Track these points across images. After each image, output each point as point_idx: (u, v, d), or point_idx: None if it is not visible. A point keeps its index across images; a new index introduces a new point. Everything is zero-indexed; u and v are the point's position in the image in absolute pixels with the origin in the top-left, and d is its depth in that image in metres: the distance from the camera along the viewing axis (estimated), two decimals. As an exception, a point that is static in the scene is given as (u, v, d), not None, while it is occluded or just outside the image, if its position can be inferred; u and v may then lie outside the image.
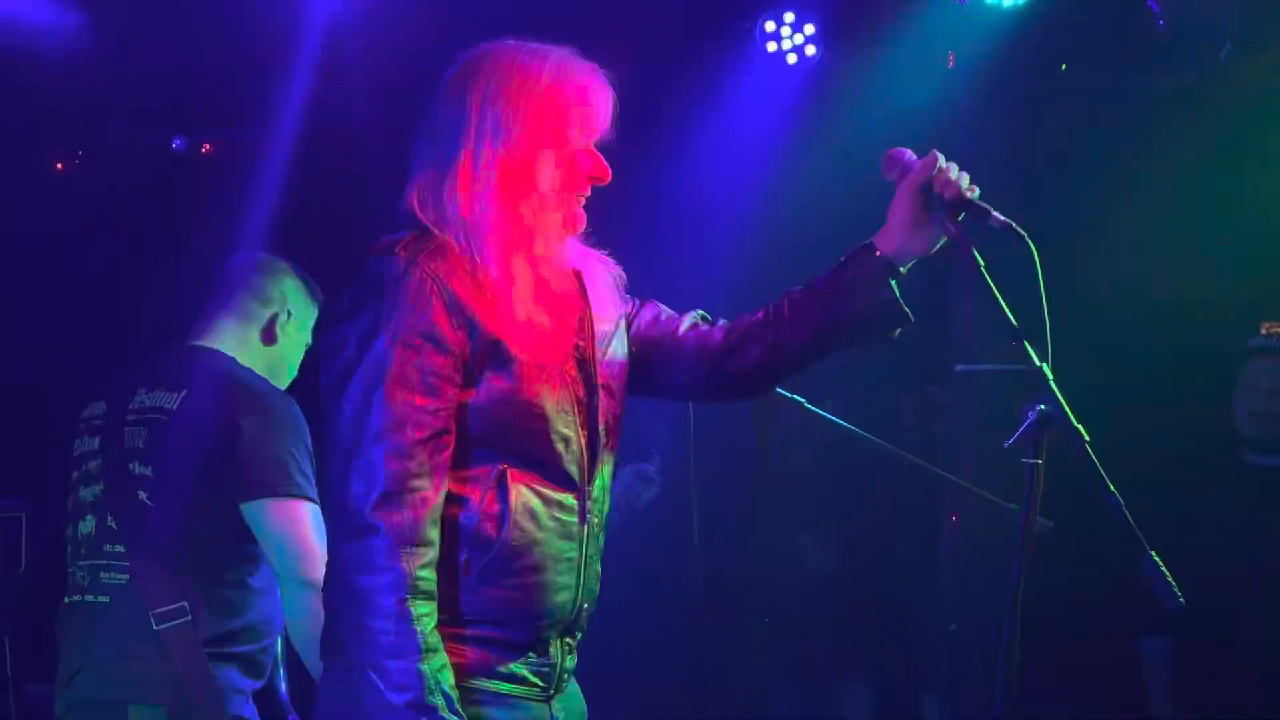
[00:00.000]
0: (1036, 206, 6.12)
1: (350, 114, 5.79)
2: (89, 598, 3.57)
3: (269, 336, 3.77)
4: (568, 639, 2.73)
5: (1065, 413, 2.73)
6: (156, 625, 3.43)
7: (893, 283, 2.84)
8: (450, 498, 2.57)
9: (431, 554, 2.51)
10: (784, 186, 6.09)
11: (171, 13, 5.72)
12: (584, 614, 2.73)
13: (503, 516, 2.59)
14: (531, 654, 2.67)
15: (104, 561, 3.58)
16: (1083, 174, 6.13)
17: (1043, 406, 2.78)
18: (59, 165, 6.37)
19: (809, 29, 5.94)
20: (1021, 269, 2.88)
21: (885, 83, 6.06)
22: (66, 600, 3.61)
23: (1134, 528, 2.79)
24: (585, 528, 2.71)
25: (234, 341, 3.71)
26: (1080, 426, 2.71)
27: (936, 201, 2.83)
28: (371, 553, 2.48)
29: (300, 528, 3.37)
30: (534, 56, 2.73)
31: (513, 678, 2.67)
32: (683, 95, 6.08)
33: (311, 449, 3.60)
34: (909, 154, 2.91)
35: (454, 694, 2.48)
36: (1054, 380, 2.79)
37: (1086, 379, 5.86)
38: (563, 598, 2.69)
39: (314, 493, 3.55)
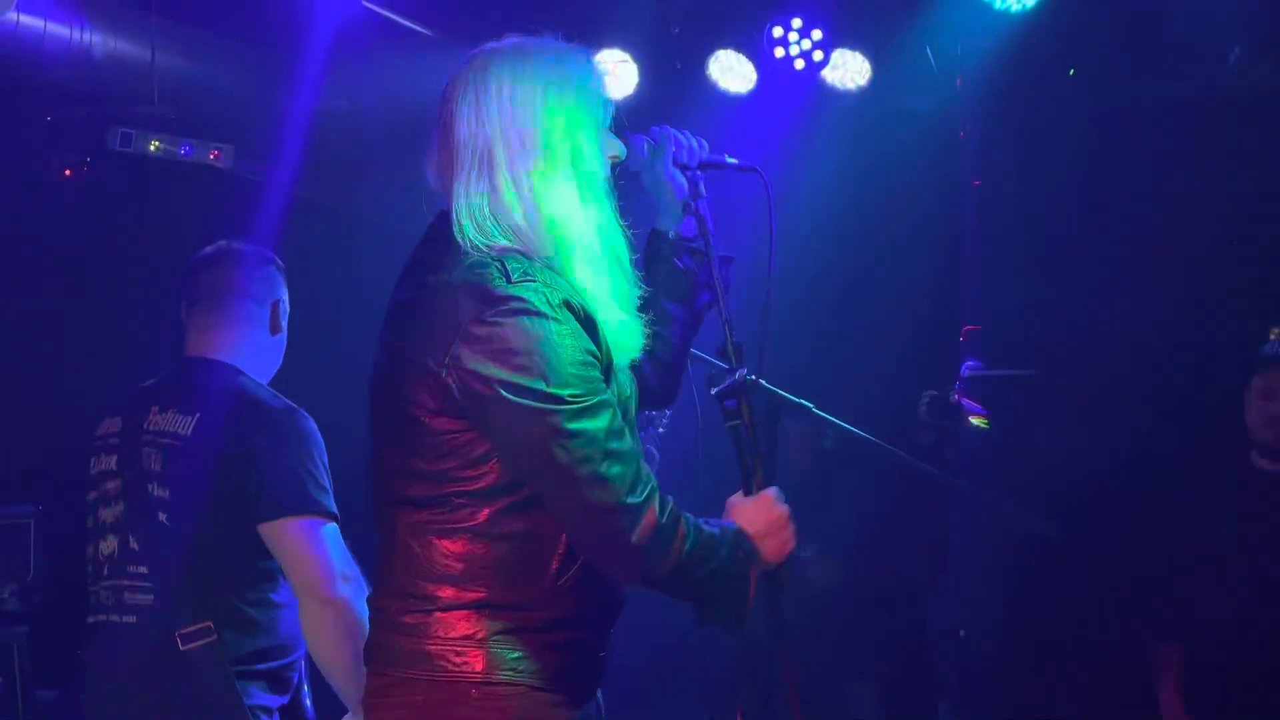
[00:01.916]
0: (1044, 211, 6.21)
1: (359, 118, 5.79)
2: (114, 617, 3.58)
3: (275, 327, 3.78)
4: (614, 631, 2.83)
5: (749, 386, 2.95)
6: (183, 646, 3.44)
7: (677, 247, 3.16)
8: (542, 506, 2.65)
9: None
10: (791, 192, 5.89)
11: (181, 19, 5.73)
12: None
13: None
14: (595, 653, 2.76)
15: (128, 582, 3.60)
16: (1091, 179, 6.17)
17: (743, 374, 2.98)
18: (67, 172, 6.28)
19: (816, 34, 5.94)
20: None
21: (904, 98, 6.15)
22: (91, 620, 3.61)
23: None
24: None
25: (241, 348, 3.71)
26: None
27: (685, 171, 3.11)
28: None
29: (315, 545, 3.37)
30: (531, 58, 2.79)
31: (582, 678, 2.75)
32: (689, 100, 6.10)
33: (325, 460, 3.60)
34: (647, 143, 3.09)
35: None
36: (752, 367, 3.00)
37: (1098, 382, 5.92)
38: (620, 595, 2.80)
39: (332, 505, 3.55)
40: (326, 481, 3.57)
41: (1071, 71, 6.10)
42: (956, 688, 5.89)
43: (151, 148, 5.90)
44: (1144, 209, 5.92)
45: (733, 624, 2.80)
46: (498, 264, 2.68)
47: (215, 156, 5.98)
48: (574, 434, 2.63)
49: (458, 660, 2.69)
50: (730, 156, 3.19)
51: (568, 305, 2.67)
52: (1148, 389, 5.87)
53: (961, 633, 5.87)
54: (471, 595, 2.69)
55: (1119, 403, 5.90)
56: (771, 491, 2.89)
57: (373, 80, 5.94)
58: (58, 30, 5.50)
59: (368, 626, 3.29)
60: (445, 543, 2.72)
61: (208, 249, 3.92)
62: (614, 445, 2.66)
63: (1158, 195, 5.87)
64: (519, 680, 2.68)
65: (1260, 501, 4.97)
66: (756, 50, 6.01)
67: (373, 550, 2.92)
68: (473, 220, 2.74)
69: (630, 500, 2.64)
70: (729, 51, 6.00)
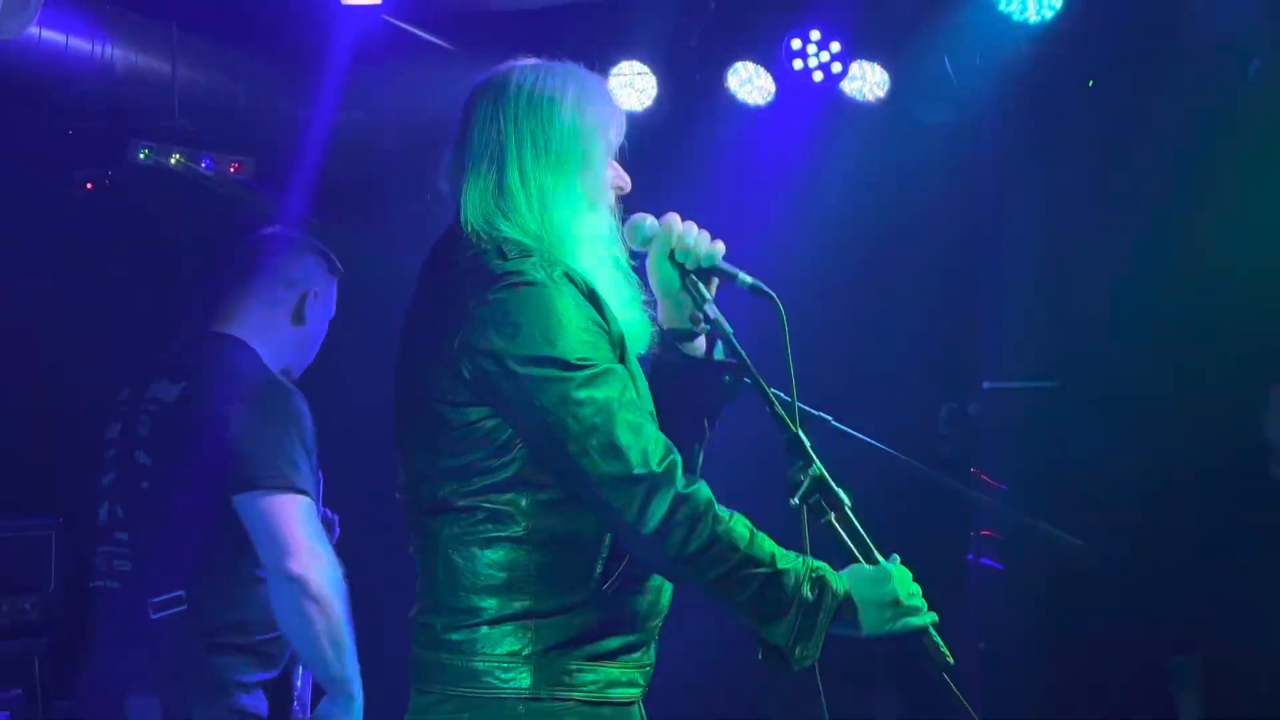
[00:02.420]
0: (1064, 221, 6.21)
1: (377, 132, 5.83)
2: (104, 583, 3.63)
3: (299, 318, 3.80)
4: (658, 636, 2.82)
5: (825, 478, 2.78)
6: (153, 614, 3.48)
7: (683, 346, 2.95)
8: (581, 506, 2.65)
9: None
10: (809, 204, 6.15)
11: (201, 33, 5.80)
12: None
13: None
14: (642, 656, 2.75)
15: (113, 549, 3.65)
16: (1109, 191, 6.15)
17: (811, 469, 2.82)
18: (89, 185, 6.37)
19: (835, 46, 5.94)
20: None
21: (923, 109, 6.14)
22: (90, 584, 3.68)
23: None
24: None
25: (257, 326, 3.74)
26: (841, 491, 2.78)
27: (682, 272, 2.90)
28: None
29: (282, 521, 3.39)
30: (554, 74, 2.84)
31: (632, 683, 2.74)
32: (707, 113, 6.13)
33: (308, 439, 3.62)
34: (649, 222, 2.92)
35: None
36: (810, 447, 2.84)
37: (1120, 392, 5.97)
38: (667, 597, 2.78)
39: (304, 483, 3.56)
40: (301, 460, 3.57)
41: (1091, 83, 6.07)
42: (978, 699, 5.90)
43: (172, 161, 6.02)
44: (1164, 219, 5.92)
45: (789, 658, 2.72)
46: (495, 248, 2.71)
47: (235, 169, 6.12)
48: (583, 401, 2.62)
49: (505, 676, 2.69)
50: (745, 273, 2.94)
51: (568, 276, 2.67)
52: (1168, 400, 5.86)
53: (981, 645, 5.87)
54: (517, 605, 2.69)
55: (1138, 414, 5.90)
56: (890, 569, 2.82)
57: (392, 93, 5.97)
58: (79, 44, 5.58)
59: (335, 607, 3.50)
60: (487, 552, 2.71)
61: (264, 230, 4.00)
62: (627, 415, 2.64)
63: (1177, 205, 5.87)
64: (568, 696, 2.68)
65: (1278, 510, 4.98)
66: (775, 62, 6.02)
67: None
68: (480, 213, 2.78)
69: (647, 469, 2.62)
70: (747, 64, 6.01)
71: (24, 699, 4.77)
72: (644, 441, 2.62)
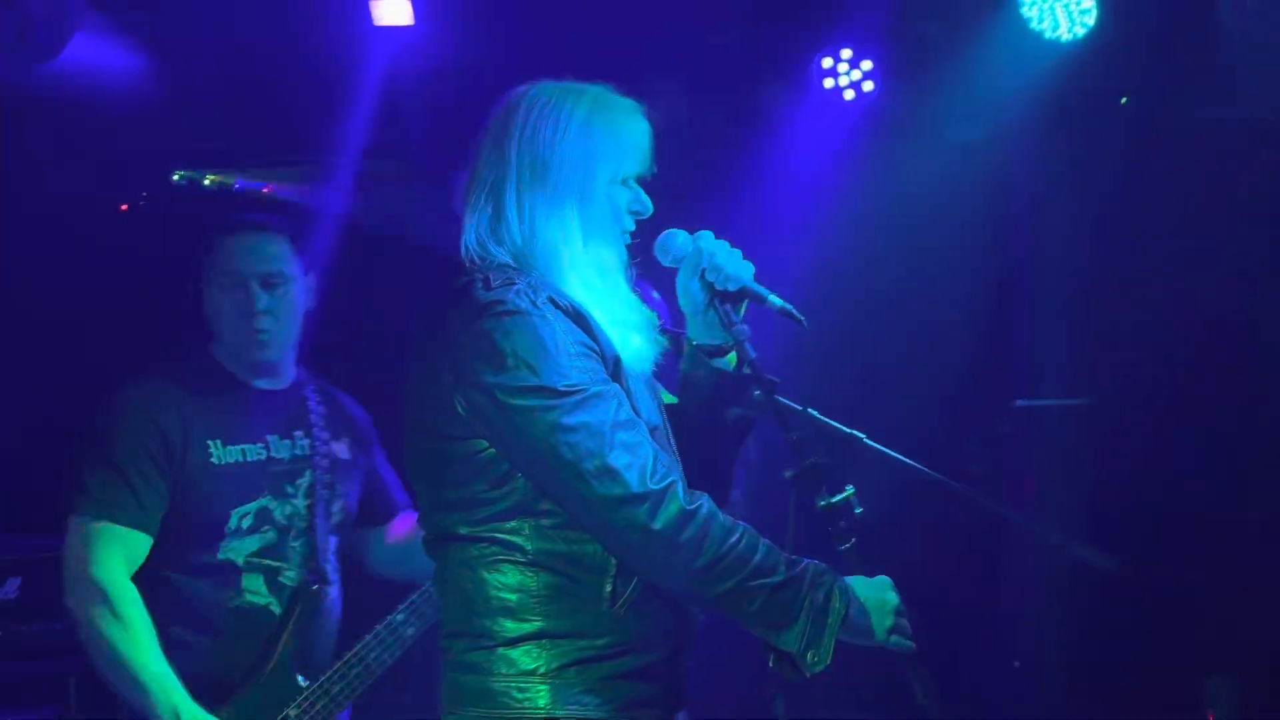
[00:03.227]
0: (1097, 238, 6.26)
1: (407, 155, 5.89)
2: None
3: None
4: (690, 652, 2.81)
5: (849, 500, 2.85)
6: None
7: (717, 360, 3.00)
8: (578, 525, 2.67)
9: None
10: (842, 222, 6.17)
11: (233, 56, 5.85)
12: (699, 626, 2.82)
13: None
14: (664, 674, 2.75)
15: None
16: (1145, 208, 6.18)
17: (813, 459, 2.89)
18: (124, 206, 6.39)
19: (866, 65, 6.00)
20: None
21: (943, 118, 6.15)
22: None
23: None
24: None
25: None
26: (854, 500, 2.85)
27: (711, 291, 2.93)
28: None
29: (67, 544, 3.79)
30: (569, 95, 2.86)
31: (655, 707, 2.76)
32: (739, 131, 6.16)
33: (100, 453, 3.91)
34: (679, 240, 2.94)
35: None
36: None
37: (1150, 411, 5.99)
38: (690, 615, 2.77)
39: (80, 503, 3.88)
40: (87, 478, 3.90)
41: (1124, 100, 6.09)
42: (1010, 717, 5.91)
43: (206, 181, 6.06)
44: (1197, 236, 5.94)
45: (800, 664, 2.73)
46: (482, 277, 2.72)
47: (268, 189, 6.10)
48: (575, 427, 2.61)
49: (520, 696, 2.71)
50: (775, 295, 2.97)
51: (552, 302, 2.67)
52: (1199, 418, 5.90)
53: (1016, 663, 5.88)
54: (529, 626, 2.71)
55: (1171, 432, 5.94)
56: (887, 580, 2.86)
57: (424, 112, 5.98)
58: (114, 66, 5.60)
59: (105, 638, 3.82)
60: (496, 576, 2.74)
61: None
62: (621, 436, 2.64)
63: (1211, 222, 5.89)
64: (585, 715, 2.70)
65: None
66: (806, 80, 6.07)
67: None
68: (476, 238, 2.81)
69: (645, 488, 2.61)
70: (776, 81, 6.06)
71: (59, 717, 4.83)
72: (641, 459, 2.63)
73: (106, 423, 3.95)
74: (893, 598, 2.79)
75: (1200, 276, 5.89)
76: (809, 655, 2.67)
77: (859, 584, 2.75)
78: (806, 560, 2.71)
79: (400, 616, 4.16)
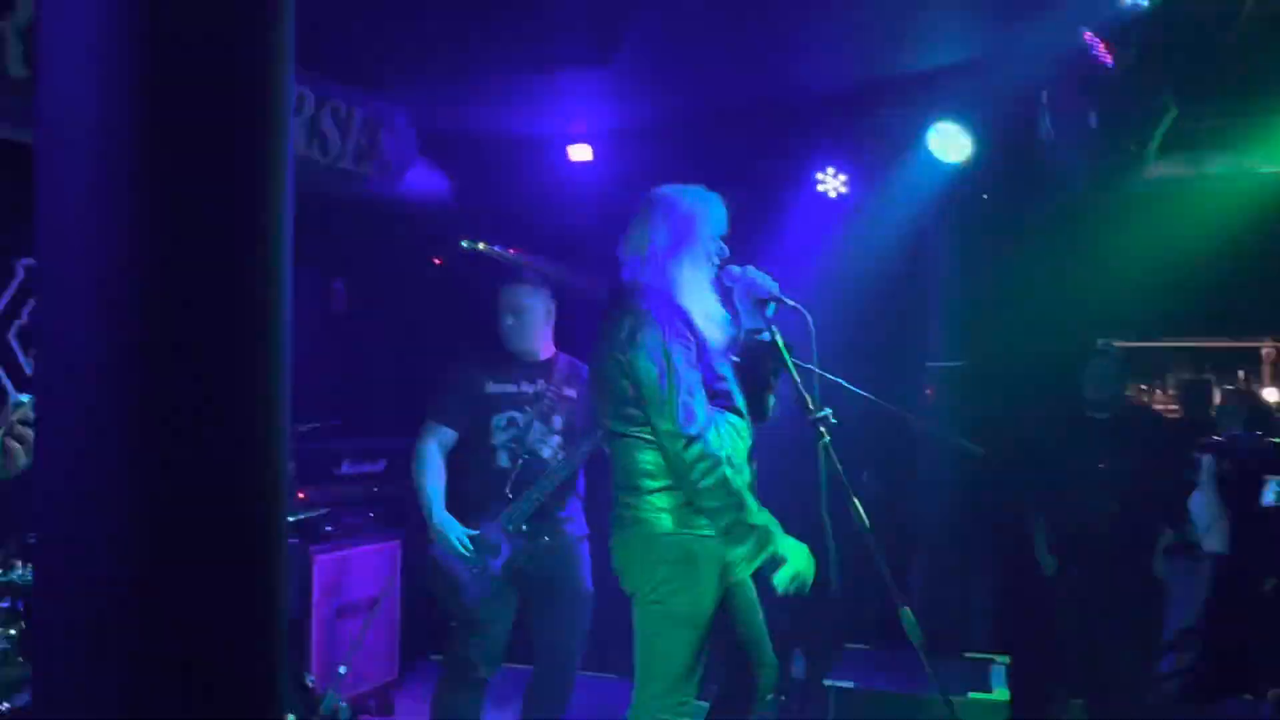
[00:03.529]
0: (973, 271, 7.38)
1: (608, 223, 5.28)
2: None
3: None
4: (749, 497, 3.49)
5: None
6: None
7: (758, 337, 3.58)
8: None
9: None
10: (827, 263, 6.86)
11: (494, 181, 7.20)
12: None
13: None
14: (722, 517, 3.45)
15: None
16: (1002, 251, 7.30)
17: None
18: (437, 261, 7.87)
19: (843, 177, 7.21)
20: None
21: (886, 207, 7.21)
22: None
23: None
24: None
25: None
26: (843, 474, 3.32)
27: (754, 300, 3.53)
28: None
29: None
30: (682, 193, 3.68)
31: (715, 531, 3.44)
32: (773, 214, 7.08)
33: (438, 391, 4.52)
34: (735, 270, 3.55)
35: None
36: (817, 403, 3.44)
37: (1009, 367, 6.93)
38: (743, 477, 3.47)
39: (428, 413, 4.53)
40: (430, 403, 4.73)
41: (985, 196, 7.34)
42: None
43: (480, 246, 7.58)
44: (1028, 264, 7.12)
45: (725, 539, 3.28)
46: (625, 295, 3.33)
47: (514, 253, 7.55)
48: (662, 387, 3.34)
49: (656, 521, 3.51)
50: (789, 299, 3.52)
51: (653, 309, 3.26)
52: (1034, 374, 6.79)
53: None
54: (661, 483, 3.48)
55: (1020, 386, 6.84)
56: (805, 548, 3.38)
57: (595, 208, 6.95)
58: (425, 184, 7.02)
59: (416, 473, 4.51)
60: (640, 454, 3.54)
61: None
62: (683, 399, 3.29)
63: (1035, 256, 7.08)
64: (687, 532, 3.48)
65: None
66: (808, 185, 7.16)
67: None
68: (631, 272, 3.51)
69: (687, 430, 3.26)
70: (791, 186, 7.10)
71: None
72: (685, 414, 3.26)
73: (445, 376, 5.00)
74: (798, 559, 3.39)
75: (1029, 288, 7.16)
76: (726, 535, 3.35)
77: (786, 539, 3.36)
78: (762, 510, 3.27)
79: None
